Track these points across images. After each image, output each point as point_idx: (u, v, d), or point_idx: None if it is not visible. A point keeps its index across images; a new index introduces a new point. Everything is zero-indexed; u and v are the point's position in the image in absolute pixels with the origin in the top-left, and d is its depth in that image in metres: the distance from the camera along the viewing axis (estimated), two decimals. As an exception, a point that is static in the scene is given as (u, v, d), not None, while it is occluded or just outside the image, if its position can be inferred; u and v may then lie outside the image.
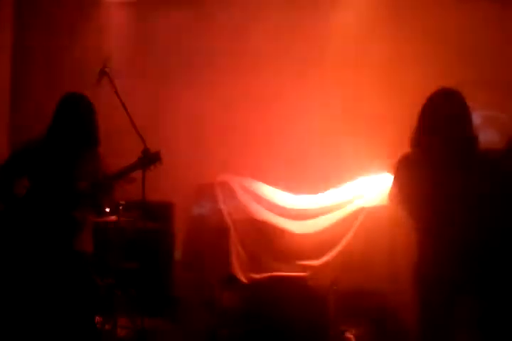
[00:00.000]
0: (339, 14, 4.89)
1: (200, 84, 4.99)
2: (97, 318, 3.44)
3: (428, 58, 4.65)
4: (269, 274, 3.72)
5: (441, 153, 2.43)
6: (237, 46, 4.98)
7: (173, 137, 4.84)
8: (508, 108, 4.17)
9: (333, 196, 4.12)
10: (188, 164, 4.72)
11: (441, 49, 4.61)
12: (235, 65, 4.96)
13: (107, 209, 3.57)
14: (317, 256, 3.83)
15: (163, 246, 4.57)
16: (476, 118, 2.73)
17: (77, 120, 2.88)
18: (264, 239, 3.95)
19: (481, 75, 4.45)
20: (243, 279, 3.78)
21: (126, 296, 3.93)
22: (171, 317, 4.14)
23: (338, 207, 3.98)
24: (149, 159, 3.03)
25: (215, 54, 5.02)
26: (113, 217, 3.81)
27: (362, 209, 3.82)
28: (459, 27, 4.65)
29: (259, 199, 4.15)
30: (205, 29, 5.09)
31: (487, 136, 3.31)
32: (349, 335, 3.64)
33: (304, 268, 3.76)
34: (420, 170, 2.47)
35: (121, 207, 3.83)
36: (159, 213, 4.52)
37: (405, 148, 2.84)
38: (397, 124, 4.50)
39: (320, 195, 4.25)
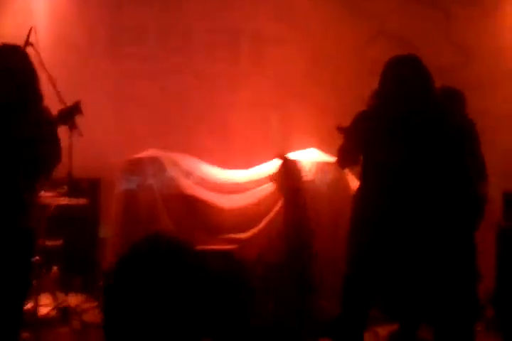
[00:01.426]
0: None
1: (129, 59, 4.90)
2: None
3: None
4: (197, 248, 3.73)
5: (400, 110, 2.53)
6: (166, 23, 4.93)
7: (101, 113, 4.70)
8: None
9: (263, 170, 4.18)
10: (115, 140, 4.63)
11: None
12: (164, 41, 4.92)
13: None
14: (245, 230, 3.90)
15: (89, 223, 4.48)
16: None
17: (11, 72, 2.54)
18: (194, 213, 3.96)
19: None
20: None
21: (50, 274, 3.86)
22: (95, 294, 4.09)
23: (267, 181, 4.04)
24: (70, 109, 2.73)
25: (144, 30, 4.95)
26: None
27: (290, 184, 3.90)
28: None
29: (189, 174, 4.15)
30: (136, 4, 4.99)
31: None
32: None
33: (232, 241, 3.82)
34: (377, 124, 2.55)
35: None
36: (86, 189, 4.42)
37: (330, 123, 2.99)
38: (322, 100, 4.73)
39: (250, 169, 4.30)
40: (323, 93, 4.86)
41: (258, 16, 4.97)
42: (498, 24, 5.09)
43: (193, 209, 3.96)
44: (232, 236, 3.84)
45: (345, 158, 2.80)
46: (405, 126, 2.49)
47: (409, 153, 2.47)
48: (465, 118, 3.32)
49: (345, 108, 4.52)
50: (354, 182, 3.56)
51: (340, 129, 2.84)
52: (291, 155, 4.01)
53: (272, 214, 3.88)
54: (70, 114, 2.75)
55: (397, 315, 3.10)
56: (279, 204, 3.86)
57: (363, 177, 2.70)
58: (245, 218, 3.91)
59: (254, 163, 4.39)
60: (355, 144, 2.66)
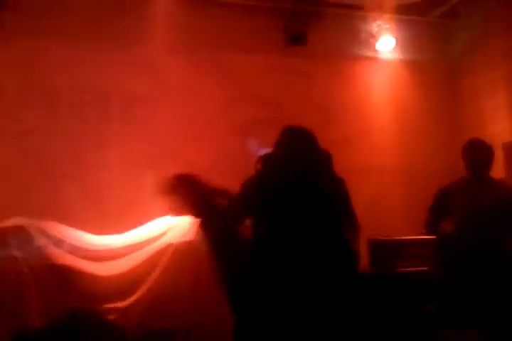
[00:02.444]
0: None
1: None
2: None
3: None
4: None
5: (289, 177, 2.68)
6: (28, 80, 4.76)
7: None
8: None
9: (139, 234, 4.08)
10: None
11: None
12: (26, 100, 4.72)
13: None
14: (125, 297, 3.73)
15: None
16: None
17: None
18: (66, 284, 3.71)
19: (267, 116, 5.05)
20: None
21: None
22: None
23: (144, 245, 3.95)
24: None
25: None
26: None
27: (170, 246, 3.85)
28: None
29: (60, 243, 3.91)
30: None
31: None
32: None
33: (110, 311, 3.63)
34: (266, 190, 2.67)
35: None
36: None
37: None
38: (193, 158, 4.82)
39: (126, 233, 4.17)
40: (194, 151, 4.95)
41: (126, 75, 4.98)
42: (356, 85, 5.66)
43: (66, 280, 3.71)
44: (111, 305, 3.65)
45: (234, 220, 2.84)
46: (294, 193, 2.64)
47: (297, 220, 2.62)
48: (336, 177, 3.46)
49: (215, 165, 4.72)
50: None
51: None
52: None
53: (153, 278, 3.77)
54: None
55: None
56: (160, 266, 3.77)
57: (252, 244, 2.76)
58: (124, 285, 3.75)
59: (129, 226, 4.26)
60: (247, 207, 2.73)
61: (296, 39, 5.18)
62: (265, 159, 2.81)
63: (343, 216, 2.94)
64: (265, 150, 3.25)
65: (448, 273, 3.51)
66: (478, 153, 3.50)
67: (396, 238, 4.58)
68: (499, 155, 5.43)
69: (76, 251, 3.90)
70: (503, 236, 3.38)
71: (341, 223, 2.82)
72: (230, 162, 4.66)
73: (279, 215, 2.64)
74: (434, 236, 3.69)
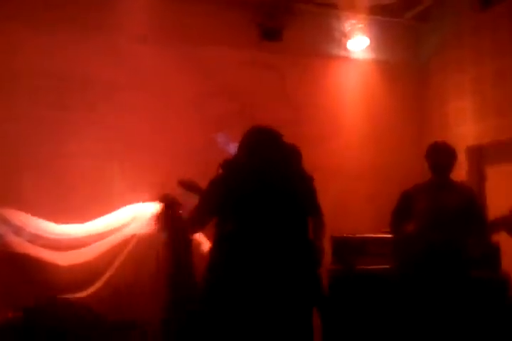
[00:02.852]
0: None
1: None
2: None
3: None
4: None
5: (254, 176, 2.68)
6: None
7: None
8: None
9: (103, 224, 4.03)
10: None
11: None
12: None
13: None
14: (85, 287, 3.69)
15: None
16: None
17: None
18: (25, 273, 3.65)
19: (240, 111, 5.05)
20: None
21: None
22: None
23: (107, 235, 3.91)
24: None
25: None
26: None
27: (133, 236, 3.82)
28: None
29: (21, 231, 3.84)
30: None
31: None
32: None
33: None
34: (232, 189, 2.66)
35: None
36: None
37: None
38: (164, 149, 4.79)
39: (88, 223, 4.12)
40: (163, 142, 4.92)
41: (96, 63, 4.89)
42: (328, 83, 5.69)
43: (25, 269, 3.65)
44: (70, 295, 3.60)
45: (199, 221, 2.80)
46: (257, 192, 2.65)
47: (260, 218, 2.63)
48: (305, 174, 3.45)
49: (185, 157, 4.70)
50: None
51: (181, 184, 2.87)
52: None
53: (114, 269, 3.73)
54: None
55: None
56: (122, 257, 3.74)
57: (217, 244, 2.76)
58: (85, 275, 3.71)
59: (93, 215, 4.21)
60: (211, 208, 2.72)
61: (270, 34, 5.19)
62: (227, 163, 2.79)
63: (309, 214, 2.97)
64: (235, 145, 3.27)
65: (407, 272, 3.57)
66: (440, 156, 3.57)
67: (358, 236, 4.64)
68: (462, 158, 5.56)
69: (36, 239, 3.84)
70: (463, 236, 3.46)
71: (307, 221, 2.84)
72: (200, 155, 4.63)
73: (242, 214, 2.64)
74: (397, 237, 3.73)
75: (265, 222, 2.63)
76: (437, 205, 3.48)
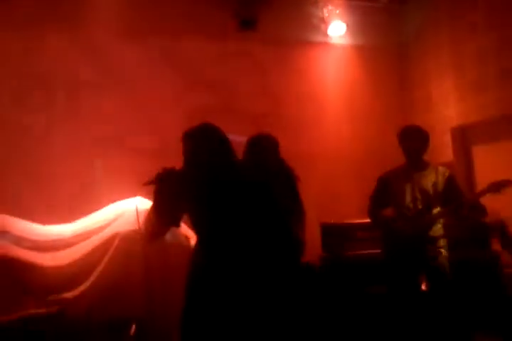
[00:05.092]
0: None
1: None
2: None
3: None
4: (18, 315, 3.42)
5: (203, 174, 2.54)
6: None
7: None
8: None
9: (87, 223, 4.01)
10: None
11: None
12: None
13: None
14: (72, 288, 3.67)
15: None
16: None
17: None
18: (11, 276, 3.63)
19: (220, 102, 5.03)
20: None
21: None
22: None
23: (92, 234, 3.88)
24: None
25: None
26: None
27: (116, 234, 3.80)
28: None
29: (4, 234, 3.81)
30: None
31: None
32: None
33: (58, 302, 3.56)
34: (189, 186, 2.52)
35: None
36: None
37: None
38: (143, 147, 4.75)
39: (73, 223, 4.08)
40: (145, 138, 4.89)
41: (73, 60, 4.83)
42: (308, 70, 5.66)
43: (10, 272, 3.62)
44: (58, 296, 3.58)
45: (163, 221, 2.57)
46: (217, 188, 2.52)
47: (237, 219, 2.50)
48: (281, 162, 3.40)
49: (166, 153, 4.65)
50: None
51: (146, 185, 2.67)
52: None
53: (101, 267, 3.71)
54: None
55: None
56: (108, 255, 3.72)
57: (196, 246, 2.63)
58: (72, 275, 3.69)
59: (77, 215, 4.17)
60: (174, 205, 2.53)
61: (246, 24, 5.14)
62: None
63: (288, 205, 2.92)
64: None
65: (389, 257, 3.58)
66: (411, 139, 3.56)
67: (347, 222, 4.64)
68: (448, 139, 5.57)
69: (20, 241, 3.80)
70: (443, 216, 3.46)
71: (286, 213, 2.74)
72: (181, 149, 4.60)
73: (214, 214, 2.51)
74: (376, 222, 3.72)
75: (240, 219, 2.50)
76: (414, 186, 3.48)
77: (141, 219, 3.75)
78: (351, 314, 4.14)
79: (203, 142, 2.58)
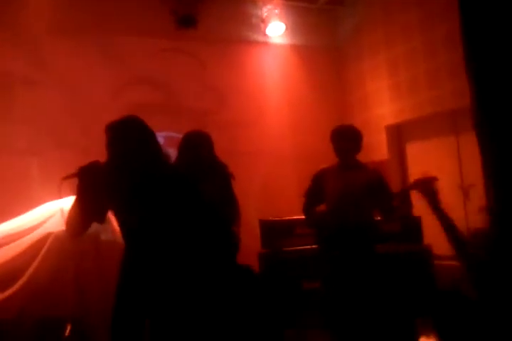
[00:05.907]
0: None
1: None
2: None
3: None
4: None
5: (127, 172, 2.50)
6: None
7: None
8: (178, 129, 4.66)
9: (20, 223, 3.90)
10: None
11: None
12: None
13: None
14: (4, 289, 3.57)
15: None
16: (159, 138, 2.99)
17: None
18: None
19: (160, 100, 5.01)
20: None
21: None
22: None
23: (24, 234, 3.78)
24: None
25: None
26: None
27: (49, 235, 3.71)
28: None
29: None
30: None
31: (168, 153, 3.62)
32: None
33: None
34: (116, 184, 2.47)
35: None
36: None
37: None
38: (82, 144, 4.68)
39: (5, 223, 3.97)
40: (82, 136, 4.82)
41: (7, 55, 4.71)
42: (248, 69, 5.71)
43: None
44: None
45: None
46: (136, 180, 2.48)
47: (161, 213, 2.45)
48: (214, 158, 3.41)
49: (104, 150, 4.59)
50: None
51: (66, 179, 2.58)
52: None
53: (33, 268, 3.62)
54: None
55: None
56: (40, 255, 3.63)
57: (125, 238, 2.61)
58: (4, 276, 3.58)
59: (10, 215, 4.06)
60: (96, 198, 2.47)
61: (184, 21, 5.15)
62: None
63: (219, 200, 2.93)
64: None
65: (323, 251, 3.66)
66: (342, 139, 3.61)
67: (285, 218, 4.72)
68: (383, 137, 5.75)
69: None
70: (368, 216, 3.56)
71: (216, 207, 2.75)
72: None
73: (137, 208, 2.46)
74: (309, 218, 3.80)
75: (164, 212, 2.45)
76: (344, 185, 3.56)
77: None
78: (288, 309, 4.22)
79: (123, 133, 2.55)
